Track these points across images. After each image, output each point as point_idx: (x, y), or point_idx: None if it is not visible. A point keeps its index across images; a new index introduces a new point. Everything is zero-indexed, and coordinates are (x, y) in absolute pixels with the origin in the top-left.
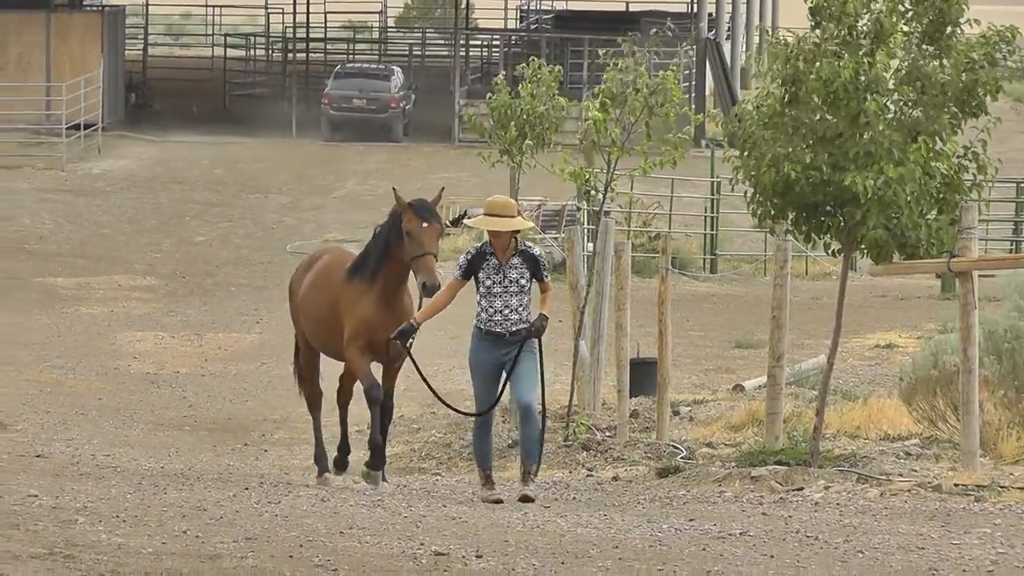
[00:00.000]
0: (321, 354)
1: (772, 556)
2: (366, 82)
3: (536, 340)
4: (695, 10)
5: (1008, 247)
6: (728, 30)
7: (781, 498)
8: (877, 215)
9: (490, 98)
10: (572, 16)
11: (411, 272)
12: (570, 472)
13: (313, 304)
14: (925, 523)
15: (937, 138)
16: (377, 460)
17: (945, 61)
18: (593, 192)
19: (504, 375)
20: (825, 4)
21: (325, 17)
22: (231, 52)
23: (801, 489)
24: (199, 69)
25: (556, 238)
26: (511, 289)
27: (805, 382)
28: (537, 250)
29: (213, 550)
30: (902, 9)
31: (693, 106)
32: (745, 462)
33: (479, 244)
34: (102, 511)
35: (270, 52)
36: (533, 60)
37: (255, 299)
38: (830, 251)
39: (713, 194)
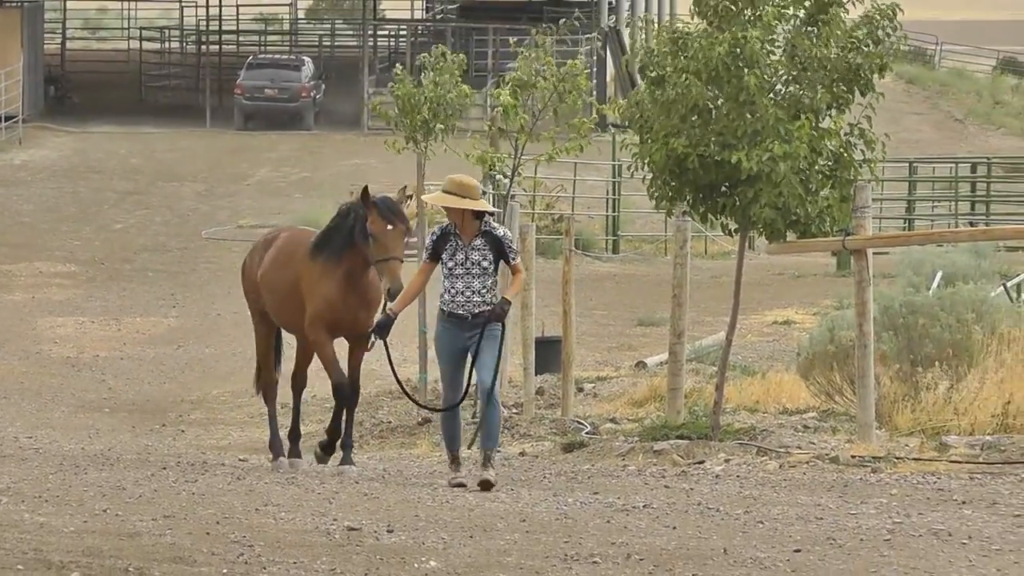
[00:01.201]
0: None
1: (674, 528)
2: (277, 72)
3: (499, 323)
4: None
5: (902, 225)
6: (628, 17)
7: (683, 471)
8: (768, 194)
9: (391, 87)
10: (476, 6)
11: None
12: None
13: (276, 280)
14: (823, 494)
15: (824, 115)
16: (347, 454)
17: (829, 40)
18: (500, 176)
19: (469, 359)
20: None
21: (237, 10)
22: (146, 45)
23: (702, 462)
24: (116, 62)
25: None
26: (473, 271)
27: (705, 358)
28: (502, 231)
29: (133, 528)
30: None
31: (595, 93)
32: (648, 437)
33: (444, 224)
34: (25, 491)
35: (184, 44)
36: (436, 48)
37: (172, 284)
38: (727, 230)
39: (615, 177)
